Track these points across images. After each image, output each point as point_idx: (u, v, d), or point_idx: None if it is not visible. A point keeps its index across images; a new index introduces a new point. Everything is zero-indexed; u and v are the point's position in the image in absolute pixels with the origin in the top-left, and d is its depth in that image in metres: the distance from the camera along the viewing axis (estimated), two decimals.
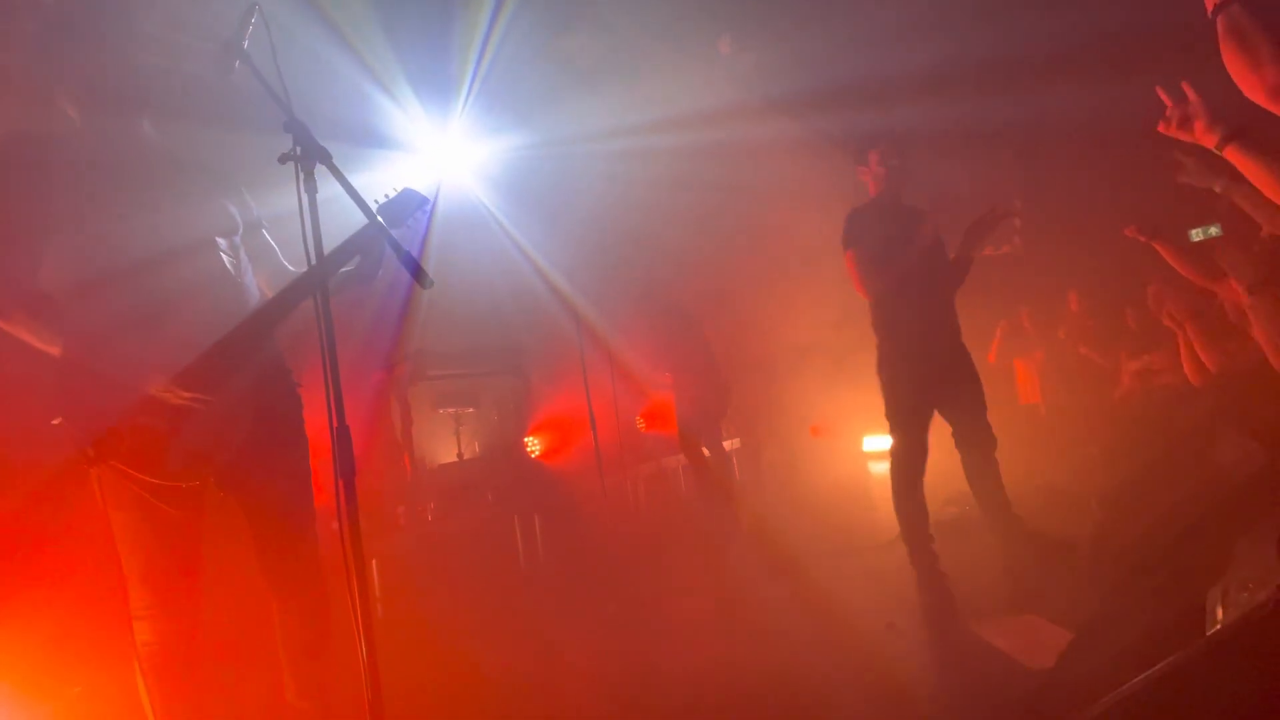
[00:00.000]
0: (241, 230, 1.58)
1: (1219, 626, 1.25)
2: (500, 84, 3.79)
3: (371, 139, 3.32)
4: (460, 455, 4.54)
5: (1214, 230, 6.07)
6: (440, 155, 3.88)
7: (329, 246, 1.36)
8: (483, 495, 4.05)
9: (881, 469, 5.42)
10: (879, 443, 5.89)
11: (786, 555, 3.27)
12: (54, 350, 1.39)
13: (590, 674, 2.24)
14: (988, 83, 4.89)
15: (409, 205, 1.59)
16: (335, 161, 1.32)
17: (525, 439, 5.00)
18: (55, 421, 1.41)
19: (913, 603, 2.42)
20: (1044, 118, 5.30)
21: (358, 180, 1.36)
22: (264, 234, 1.65)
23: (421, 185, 1.65)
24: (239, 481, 1.54)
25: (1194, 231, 6.08)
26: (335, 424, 1.26)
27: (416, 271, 1.27)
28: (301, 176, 1.29)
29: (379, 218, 1.50)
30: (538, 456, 4.98)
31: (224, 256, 1.53)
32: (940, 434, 5.73)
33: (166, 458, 1.40)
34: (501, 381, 4.98)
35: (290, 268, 1.64)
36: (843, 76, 4.60)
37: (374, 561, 2.84)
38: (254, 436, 1.51)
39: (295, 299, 1.46)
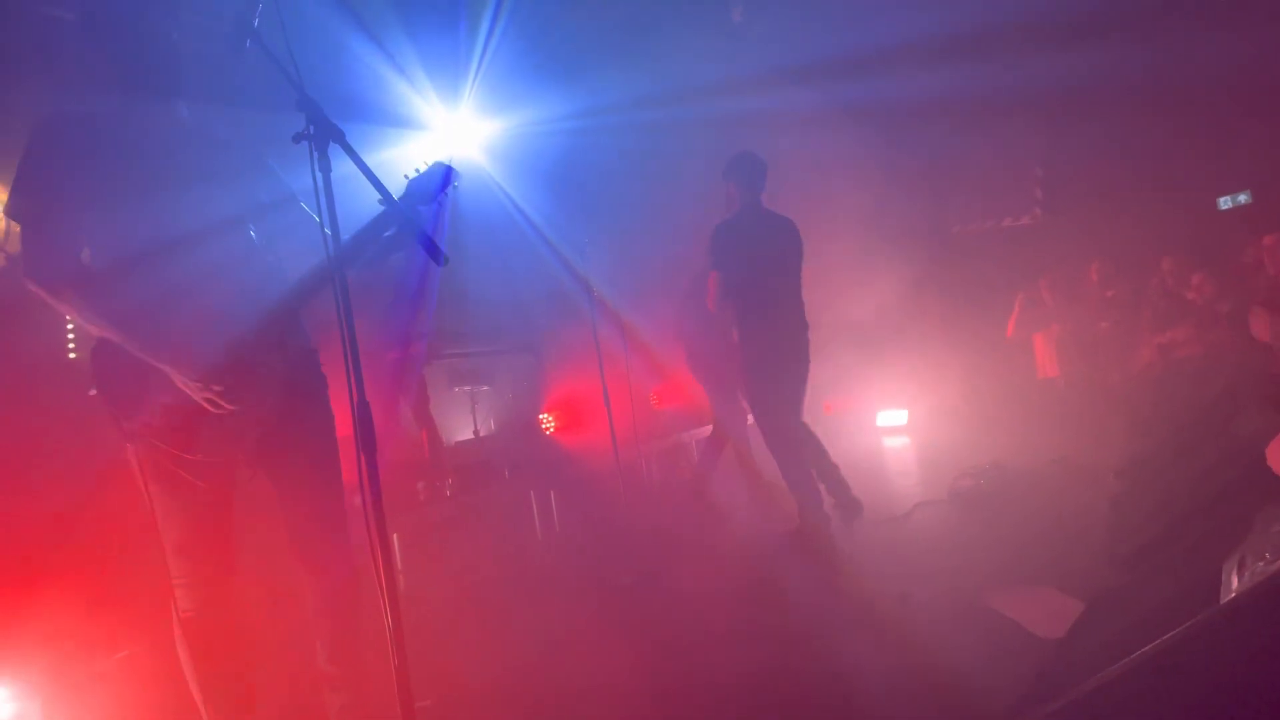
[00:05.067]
0: (273, 205, 1.59)
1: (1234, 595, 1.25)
2: (510, 59, 3.75)
3: (382, 117, 3.32)
4: (476, 432, 4.60)
5: (1243, 198, 5.89)
6: (451, 133, 3.86)
7: (343, 226, 1.37)
8: (499, 471, 4.11)
9: (894, 443, 5.43)
10: (893, 417, 5.87)
11: (804, 525, 3.29)
12: (93, 329, 1.42)
13: (606, 643, 2.29)
14: (1009, 49, 4.75)
15: (441, 180, 1.59)
16: (347, 140, 1.33)
17: (540, 416, 5.04)
18: (91, 392, 1.45)
19: (926, 574, 2.43)
20: (1066, 86, 5.15)
21: (369, 159, 1.37)
22: (301, 206, 1.65)
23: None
24: (269, 458, 1.58)
25: (1222, 200, 5.91)
26: (356, 401, 1.28)
27: (432, 249, 1.27)
28: (315, 155, 1.29)
29: (410, 192, 1.52)
30: (553, 433, 5.03)
31: (253, 233, 1.55)
32: (954, 410, 5.68)
33: (197, 435, 1.45)
34: (515, 359, 5.02)
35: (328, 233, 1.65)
36: (859, 44, 4.48)
37: (395, 535, 2.90)
38: (283, 414, 1.54)
39: (321, 282, 1.48)
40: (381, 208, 1.46)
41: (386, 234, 1.51)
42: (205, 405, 1.41)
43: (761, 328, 3.07)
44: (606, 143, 4.52)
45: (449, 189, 1.59)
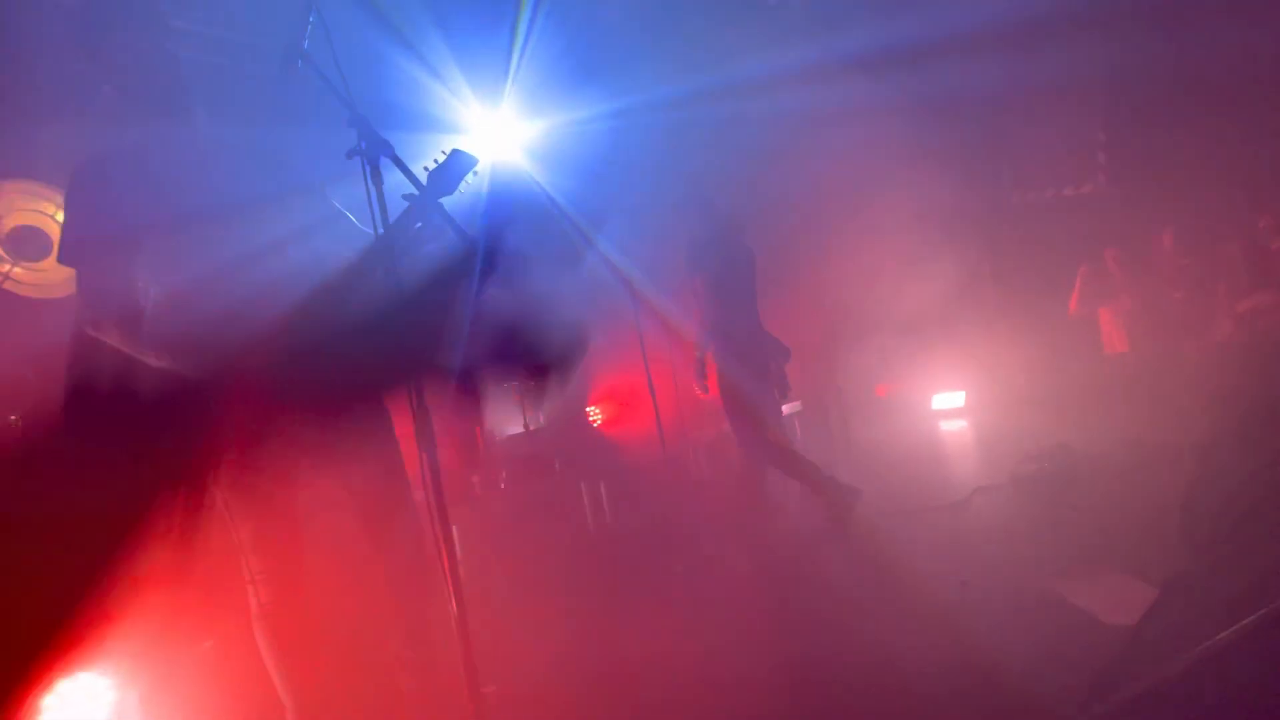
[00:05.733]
0: (321, 221, 1.64)
1: None
2: (548, 57, 3.78)
3: (421, 123, 3.40)
4: (526, 426, 4.70)
5: None
6: (492, 135, 3.93)
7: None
8: (550, 464, 4.20)
9: (951, 426, 5.26)
10: (949, 400, 5.70)
11: (858, 514, 3.24)
12: (150, 360, 1.46)
13: (659, 629, 2.32)
14: (1069, 9, 4.49)
15: (460, 168, 1.60)
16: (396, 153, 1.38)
17: (587, 409, 5.11)
18: None
19: (986, 561, 2.37)
20: (1134, 45, 4.83)
21: (413, 168, 1.42)
22: (350, 220, 1.69)
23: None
24: (336, 461, 1.66)
25: None
26: (416, 403, 1.34)
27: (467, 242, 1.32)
28: (368, 170, 1.35)
29: (430, 184, 1.54)
30: (600, 426, 5.10)
31: (302, 250, 1.61)
32: (1015, 392, 5.47)
33: (261, 445, 1.53)
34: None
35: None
36: (907, 19, 4.32)
37: (454, 527, 3.01)
38: (345, 418, 1.62)
39: (358, 283, 1.52)
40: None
41: (417, 226, 1.53)
42: (259, 419, 1.47)
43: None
44: (647, 139, 4.52)
45: (468, 177, 1.60)
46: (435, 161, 1.60)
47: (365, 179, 1.34)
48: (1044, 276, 5.62)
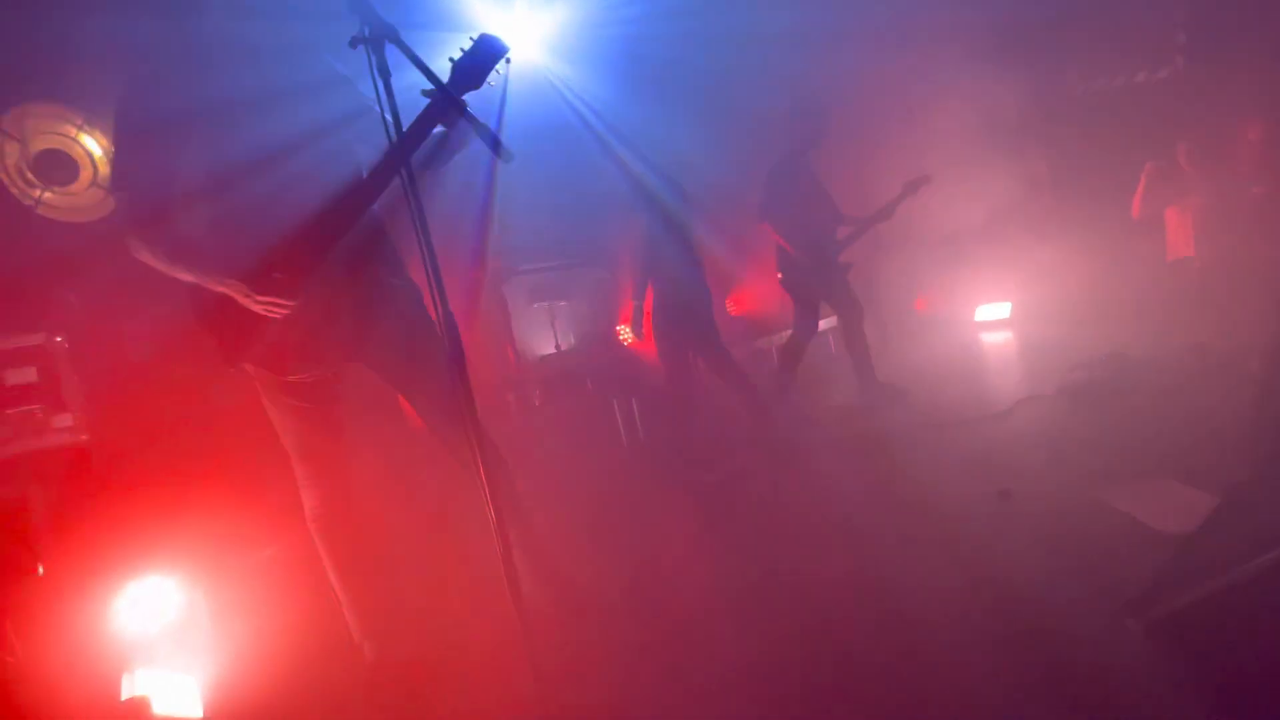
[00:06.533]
0: (354, 112, 1.56)
1: None
2: None
3: (433, 21, 3.19)
4: (558, 345, 4.71)
5: None
6: (504, 31, 3.68)
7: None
8: (582, 382, 4.22)
9: (994, 338, 5.08)
10: (993, 311, 5.47)
11: (892, 428, 3.19)
12: (180, 275, 1.46)
13: (689, 541, 2.36)
14: None
15: (489, 57, 1.45)
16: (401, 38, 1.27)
17: (617, 328, 5.07)
18: None
19: (1029, 470, 2.30)
20: None
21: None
22: (378, 112, 1.62)
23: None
24: (394, 377, 1.69)
25: None
26: (442, 315, 1.30)
27: (496, 145, 1.22)
28: (373, 59, 1.25)
29: (457, 77, 1.43)
30: (630, 344, 5.07)
31: (332, 141, 1.53)
32: (1066, 301, 5.21)
33: (284, 358, 1.54)
34: (589, 273, 5.01)
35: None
36: None
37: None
38: (388, 331, 1.61)
39: (381, 183, 1.44)
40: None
41: (438, 130, 1.44)
42: (265, 314, 1.45)
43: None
44: (668, 30, 4.17)
45: (499, 66, 1.46)
46: (461, 50, 1.45)
47: (370, 69, 1.23)
48: (1105, 178, 5.19)
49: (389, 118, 1.24)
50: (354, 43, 1.26)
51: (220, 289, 1.43)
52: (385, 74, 1.23)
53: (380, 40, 1.25)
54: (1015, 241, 5.46)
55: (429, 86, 1.38)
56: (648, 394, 4.00)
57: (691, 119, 4.50)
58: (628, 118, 4.18)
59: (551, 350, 4.69)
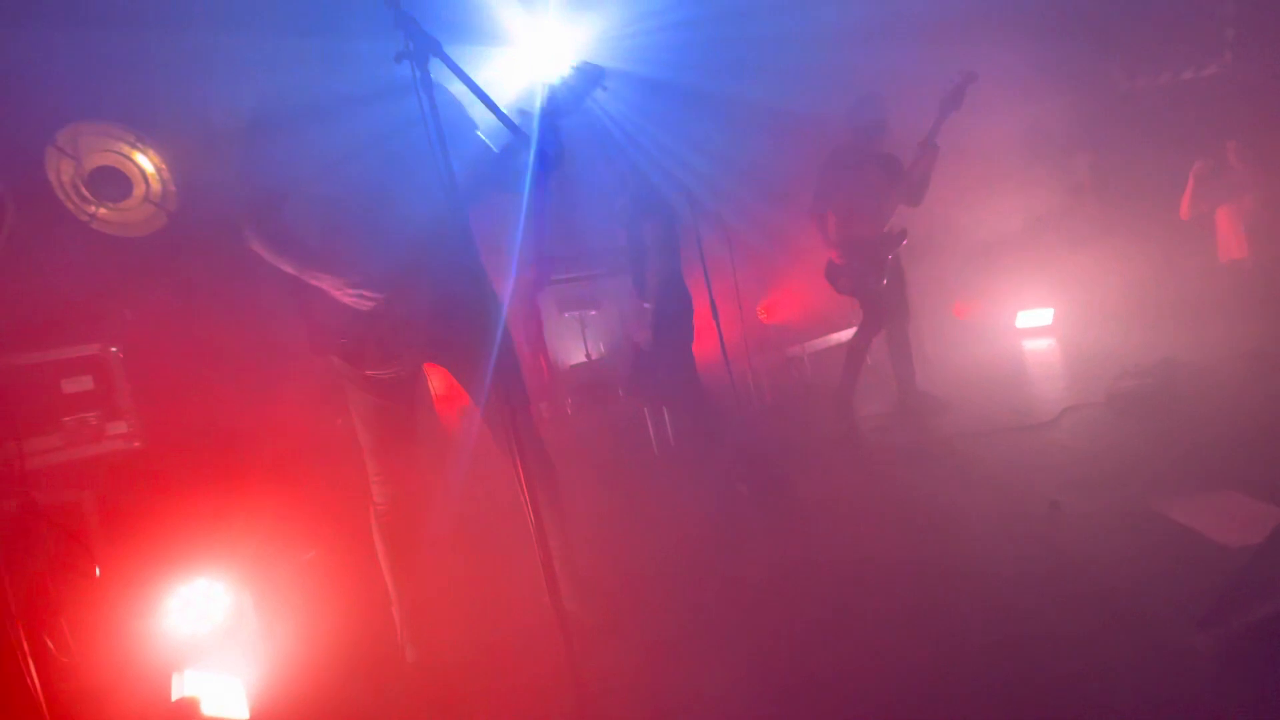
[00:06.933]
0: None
1: None
2: None
3: (470, 35, 3.25)
4: (589, 355, 4.73)
5: None
6: (538, 45, 3.73)
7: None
8: (613, 391, 4.22)
9: (1036, 345, 4.94)
10: (1035, 318, 5.33)
11: (934, 437, 3.12)
12: (287, 268, 1.55)
13: (726, 550, 2.33)
14: None
15: (588, 82, 1.56)
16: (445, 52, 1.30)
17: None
18: None
19: (1079, 481, 2.22)
20: None
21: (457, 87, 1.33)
22: (478, 135, 1.70)
23: (521, 80, 1.61)
24: (467, 383, 1.75)
25: None
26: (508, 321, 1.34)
27: (556, 155, 1.26)
28: (417, 74, 1.27)
29: (552, 103, 1.55)
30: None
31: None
32: (1110, 307, 5.05)
33: (365, 354, 1.61)
34: (618, 282, 5.02)
35: (493, 147, 1.68)
36: None
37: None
38: (460, 336, 1.67)
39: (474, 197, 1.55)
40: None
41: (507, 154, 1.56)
42: (354, 303, 1.53)
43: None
44: (696, 38, 4.18)
45: (596, 92, 1.57)
46: (560, 78, 1.57)
47: (415, 84, 1.26)
48: (1151, 179, 5.03)
49: (431, 132, 1.26)
50: (399, 58, 1.28)
51: (316, 282, 1.52)
52: (429, 88, 1.26)
53: (424, 55, 1.27)
54: (1056, 245, 5.32)
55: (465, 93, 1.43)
56: (678, 402, 3.98)
57: (724, 126, 4.51)
58: (652, 125, 4.20)
59: (582, 360, 4.71)
